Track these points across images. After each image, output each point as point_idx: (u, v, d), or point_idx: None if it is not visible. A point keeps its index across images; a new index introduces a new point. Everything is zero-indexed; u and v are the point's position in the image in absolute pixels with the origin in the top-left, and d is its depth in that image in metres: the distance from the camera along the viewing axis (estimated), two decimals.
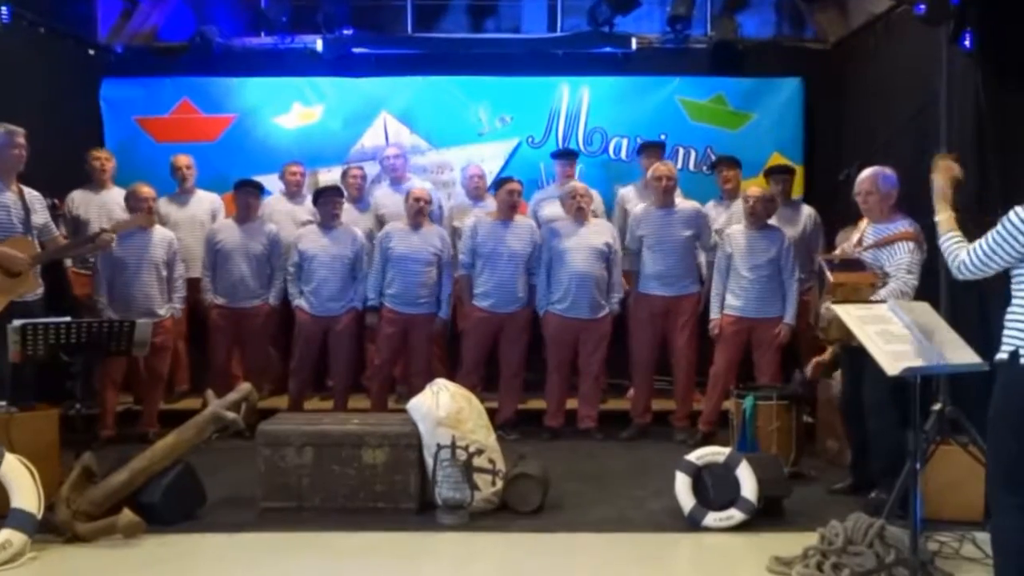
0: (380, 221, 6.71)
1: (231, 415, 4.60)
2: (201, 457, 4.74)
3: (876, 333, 3.38)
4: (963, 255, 3.28)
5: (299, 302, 6.28)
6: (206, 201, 6.88)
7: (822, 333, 4.75)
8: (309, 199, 6.76)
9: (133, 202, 6.04)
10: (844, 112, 7.12)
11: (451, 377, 5.45)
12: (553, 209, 6.60)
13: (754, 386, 5.56)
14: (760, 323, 5.83)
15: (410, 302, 6.14)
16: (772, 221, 5.98)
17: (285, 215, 6.80)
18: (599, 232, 6.17)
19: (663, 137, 7.18)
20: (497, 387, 6.36)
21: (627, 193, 6.82)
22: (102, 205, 6.57)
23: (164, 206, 6.72)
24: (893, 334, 3.40)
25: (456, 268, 6.30)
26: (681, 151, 7.31)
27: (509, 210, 6.23)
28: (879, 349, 3.33)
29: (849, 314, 3.52)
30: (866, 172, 4.69)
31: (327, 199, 6.30)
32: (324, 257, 6.21)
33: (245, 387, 4.80)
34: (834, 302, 4.16)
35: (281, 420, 4.89)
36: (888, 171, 4.68)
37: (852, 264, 4.61)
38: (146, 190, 6.08)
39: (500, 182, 6.35)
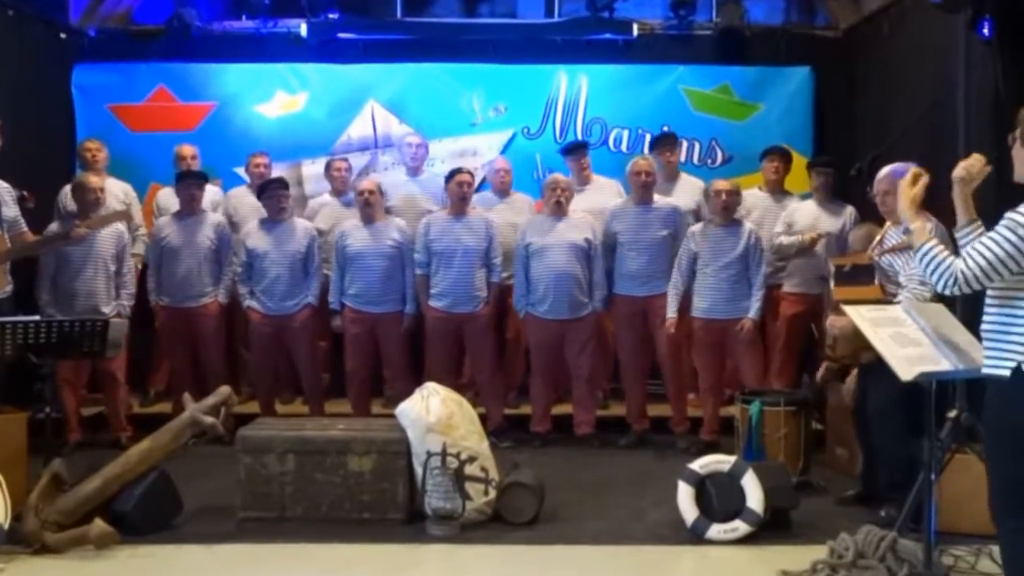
0: (388, 211, 6.62)
1: (209, 420, 4.60)
2: (177, 464, 4.73)
3: (889, 336, 3.39)
4: (960, 266, 2.98)
5: (250, 303, 6.25)
6: (208, 193, 6.81)
7: (829, 350, 4.74)
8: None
9: (80, 194, 5.95)
10: (856, 103, 7.13)
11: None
12: (576, 205, 6.50)
13: (761, 391, 5.56)
14: (731, 324, 5.84)
15: (373, 300, 6.14)
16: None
17: (250, 209, 6.75)
18: (578, 227, 6.14)
19: (666, 128, 7.17)
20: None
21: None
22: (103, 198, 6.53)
23: (165, 198, 6.71)
24: (907, 337, 3.41)
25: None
26: (684, 143, 7.29)
27: (460, 203, 6.20)
28: (892, 353, 3.34)
29: (861, 316, 3.52)
30: (884, 171, 4.67)
31: (272, 192, 6.26)
32: (274, 254, 6.19)
33: (224, 391, 4.79)
34: (831, 326, 4.17)
35: (262, 426, 4.88)
36: (907, 166, 4.66)
37: (860, 273, 4.59)
38: (94, 180, 6.02)
39: (450, 174, 6.31)
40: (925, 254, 3.11)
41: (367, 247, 6.14)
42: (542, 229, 6.13)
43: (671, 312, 5.93)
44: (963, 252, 3.01)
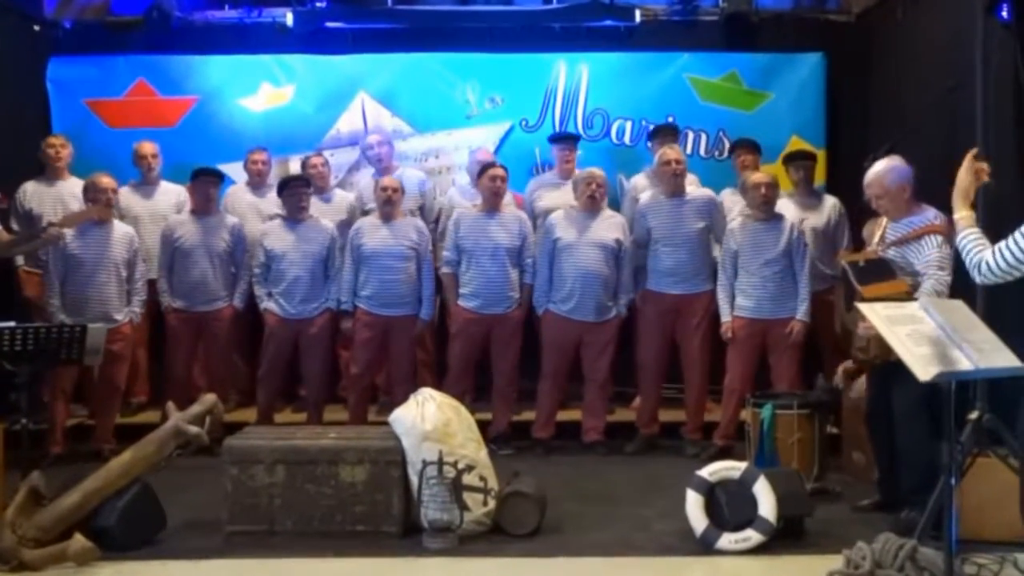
0: (366, 214, 6.65)
1: (194, 429, 4.59)
2: (161, 476, 4.72)
3: (906, 335, 3.39)
4: (987, 256, 3.27)
5: (268, 305, 6.28)
6: (171, 193, 6.85)
7: (860, 353, 4.73)
8: (276, 190, 6.78)
9: (92, 194, 6.03)
10: (870, 91, 7.13)
11: (438, 386, 5.45)
12: (551, 199, 6.61)
13: (773, 394, 5.57)
14: (775, 324, 5.84)
15: (387, 303, 6.15)
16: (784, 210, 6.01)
17: (249, 208, 6.80)
18: (610, 226, 6.16)
19: (671, 119, 7.18)
20: (488, 396, 6.37)
21: (639, 182, 6.80)
22: (57, 198, 6.56)
23: (125, 197, 6.70)
24: (925, 335, 3.40)
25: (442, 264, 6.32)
26: (691, 134, 7.31)
27: (493, 198, 6.23)
28: (909, 352, 3.33)
29: (877, 313, 3.52)
30: (869, 175, 4.72)
31: (293, 190, 6.29)
32: (294, 255, 6.21)
33: (210, 399, 4.79)
34: (867, 328, 4.19)
35: (250, 435, 4.88)
36: (894, 163, 4.69)
37: (879, 268, 4.59)
38: (106, 180, 6.07)
39: (482, 168, 6.34)
40: (962, 239, 3.45)
41: (384, 246, 6.15)
42: (573, 224, 6.13)
43: (725, 316, 5.94)
44: (995, 245, 3.26)
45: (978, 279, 3.33)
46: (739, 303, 5.91)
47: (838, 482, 5.37)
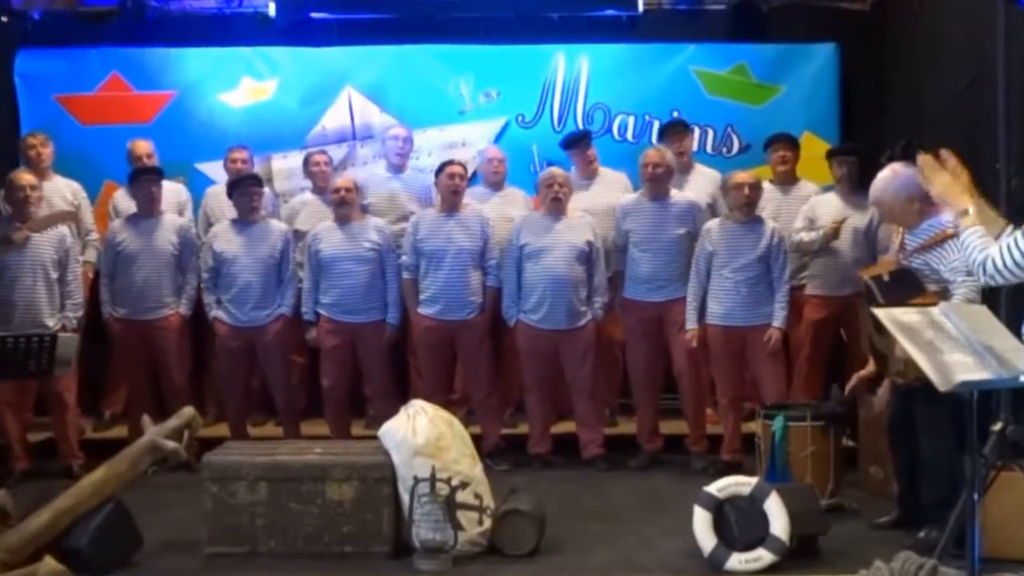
0: (366, 211, 6.63)
1: (171, 444, 4.59)
2: (136, 494, 4.73)
3: (926, 342, 3.39)
4: (993, 254, 3.27)
5: (217, 313, 6.26)
6: (171, 192, 6.78)
7: (898, 377, 4.68)
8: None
9: (9, 192, 5.95)
10: (886, 83, 7.14)
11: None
12: (576, 201, 6.45)
13: (785, 404, 5.57)
14: (749, 332, 5.85)
15: (350, 309, 6.15)
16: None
17: (230, 209, 6.77)
18: (578, 227, 6.16)
19: (676, 114, 7.19)
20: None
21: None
22: (44, 199, 6.51)
23: (123, 200, 6.69)
24: (946, 343, 3.41)
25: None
26: (697, 130, 7.30)
27: (452, 198, 6.22)
28: (929, 361, 3.34)
29: (893, 320, 3.52)
30: (872, 194, 4.75)
31: (244, 190, 6.28)
32: (245, 259, 6.20)
33: (187, 412, 4.79)
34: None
35: (230, 450, 4.88)
36: (894, 173, 4.66)
37: (906, 282, 4.53)
38: (26, 178, 6.02)
39: (440, 166, 6.34)
40: (968, 235, 3.41)
41: (342, 251, 6.15)
42: (538, 229, 6.14)
43: (691, 322, 5.94)
44: (1000, 243, 3.26)
45: (982, 279, 3.35)
46: (710, 310, 5.92)
47: (854, 498, 5.37)
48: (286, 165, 7.30)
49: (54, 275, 5.97)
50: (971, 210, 3.45)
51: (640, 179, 6.30)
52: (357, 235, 6.19)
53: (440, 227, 6.19)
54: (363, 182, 6.80)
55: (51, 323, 5.92)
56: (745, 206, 5.87)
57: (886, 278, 4.64)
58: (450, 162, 6.33)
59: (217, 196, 6.90)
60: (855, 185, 6.42)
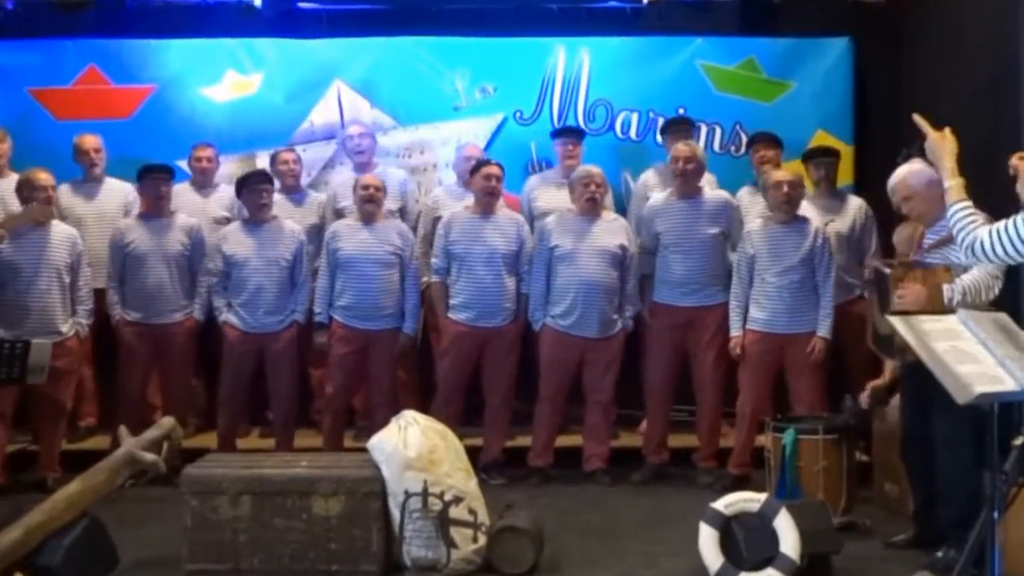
0: (340, 215, 6.70)
1: (150, 457, 4.59)
2: (113, 509, 4.73)
3: (944, 351, 3.39)
4: (982, 235, 3.37)
5: (227, 317, 6.27)
6: (118, 192, 6.84)
7: (898, 356, 4.71)
8: (222, 188, 6.83)
9: (27, 192, 6.03)
10: (903, 79, 7.16)
11: (424, 408, 5.45)
12: (553, 200, 6.60)
13: (795, 417, 5.57)
14: (793, 340, 5.85)
15: (366, 315, 6.15)
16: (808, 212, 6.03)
17: (194, 208, 6.78)
18: (613, 230, 6.18)
19: (682, 111, 7.21)
20: (479, 420, 6.37)
21: (648, 179, 6.82)
22: None
23: (66, 197, 6.70)
24: (965, 352, 3.41)
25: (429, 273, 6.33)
26: (704, 128, 7.33)
27: (488, 199, 6.24)
28: (947, 371, 3.34)
29: (910, 327, 3.53)
30: (893, 180, 4.81)
31: (254, 187, 6.29)
32: (257, 261, 6.21)
33: (167, 422, 4.79)
34: (900, 297, 4.31)
35: (212, 463, 4.88)
36: (915, 166, 4.75)
37: (916, 266, 4.65)
38: (44, 177, 6.07)
39: (476, 166, 6.36)
40: (956, 211, 3.56)
41: (363, 252, 6.15)
42: (571, 230, 6.14)
43: (735, 329, 5.94)
44: (994, 225, 3.39)
45: (968, 259, 3.46)
46: (751, 315, 5.92)
47: (868, 515, 5.38)
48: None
49: (67, 279, 6.02)
50: (960, 185, 3.59)
51: (672, 176, 6.24)
52: (380, 236, 6.20)
53: (473, 229, 6.19)
54: (334, 186, 6.85)
55: (64, 328, 5.97)
56: (785, 204, 5.85)
57: (896, 265, 4.73)
58: (487, 162, 6.34)
59: (179, 194, 6.77)
60: (832, 188, 6.49)
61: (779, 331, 5.84)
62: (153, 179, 6.37)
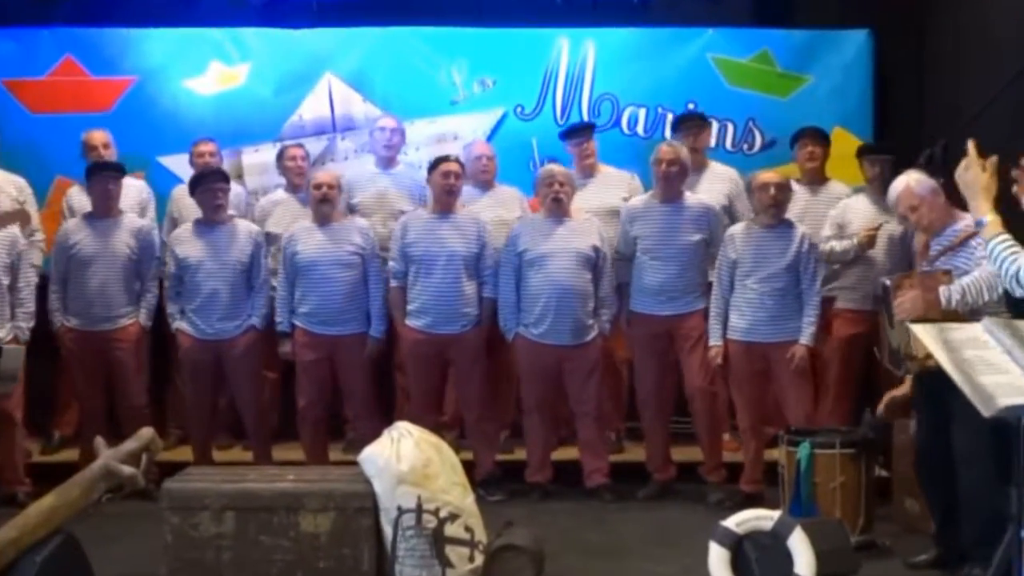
0: (352, 211, 6.64)
1: (128, 470, 4.57)
2: (88, 525, 4.71)
3: (966, 361, 3.40)
4: (1022, 263, 3.48)
5: (180, 324, 6.27)
6: (132, 190, 6.77)
7: (910, 364, 4.72)
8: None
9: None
10: (925, 74, 7.18)
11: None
12: (574, 202, 6.52)
13: (811, 430, 5.57)
14: (774, 349, 5.86)
15: (329, 320, 6.16)
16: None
17: (196, 209, 6.77)
18: (583, 231, 6.16)
19: (692, 106, 7.21)
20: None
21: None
22: None
23: (77, 196, 6.70)
24: (989, 362, 3.42)
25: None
26: (715, 124, 7.32)
27: (446, 198, 6.22)
28: (971, 382, 3.35)
29: (929, 335, 3.54)
30: (896, 190, 4.87)
31: (208, 187, 6.27)
32: (210, 264, 6.20)
33: (146, 433, 4.77)
34: (899, 305, 4.41)
35: (193, 476, 4.88)
36: (915, 174, 4.87)
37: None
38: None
39: (434, 163, 6.33)
40: (996, 244, 3.68)
41: (322, 254, 6.15)
42: (539, 233, 6.14)
43: (715, 338, 5.95)
44: None
45: (1015, 290, 3.53)
46: (732, 323, 5.93)
47: (888, 534, 5.38)
48: (258, 159, 7.32)
49: (5, 281, 5.97)
50: (997, 219, 3.68)
51: (653, 179, 6.27)
52: (339, 237, 6.19)
53: (431, 230, 6.19)
54: (350, 179, 6.82)
55: (1, 334, 5.92)
56: (771, 208, 5.87)
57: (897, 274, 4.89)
58: (445, 158, 6.30)
59: (183, 195, 6.85)
60: (889, 187, 6.43)
61: (760, 340, 5.86)
62: (101, 177, 6.32)
